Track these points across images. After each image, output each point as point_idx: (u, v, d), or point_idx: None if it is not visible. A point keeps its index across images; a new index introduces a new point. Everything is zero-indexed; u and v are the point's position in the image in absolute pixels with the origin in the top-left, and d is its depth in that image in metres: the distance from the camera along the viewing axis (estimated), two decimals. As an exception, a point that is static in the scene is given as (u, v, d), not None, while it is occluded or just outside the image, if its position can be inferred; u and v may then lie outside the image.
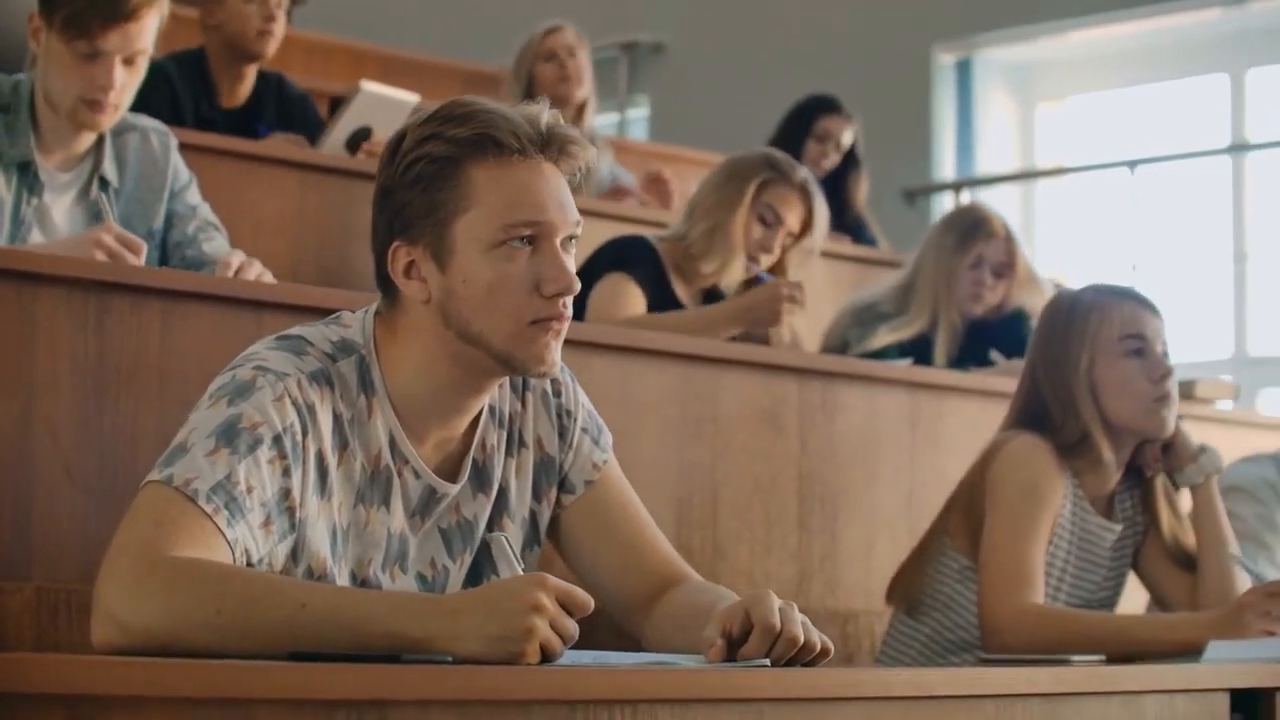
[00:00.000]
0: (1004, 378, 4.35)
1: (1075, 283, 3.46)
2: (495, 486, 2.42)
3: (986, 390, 4.12)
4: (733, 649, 2.16)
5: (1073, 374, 3.27)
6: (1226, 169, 8.27)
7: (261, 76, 4.94)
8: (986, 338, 4.87)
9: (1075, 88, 8.97)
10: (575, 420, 2.50)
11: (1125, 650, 3.01)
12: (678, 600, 2.44)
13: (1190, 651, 2.98)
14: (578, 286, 2.26)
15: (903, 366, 4.11)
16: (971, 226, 4.87)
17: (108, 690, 1.61)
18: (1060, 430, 3.28)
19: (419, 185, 2.25)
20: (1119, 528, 3.37)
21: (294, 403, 2.20)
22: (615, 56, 9.55)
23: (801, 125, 6.40)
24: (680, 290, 4.36)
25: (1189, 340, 8.00)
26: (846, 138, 6.43)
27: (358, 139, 4.74)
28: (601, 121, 8.50)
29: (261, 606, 1.97)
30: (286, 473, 2.18)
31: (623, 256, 4.28)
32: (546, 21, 6.09)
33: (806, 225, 4.40)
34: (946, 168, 8.73)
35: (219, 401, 2.18)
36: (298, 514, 2.20)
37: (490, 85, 7.67)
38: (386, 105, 4.76)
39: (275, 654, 1.94)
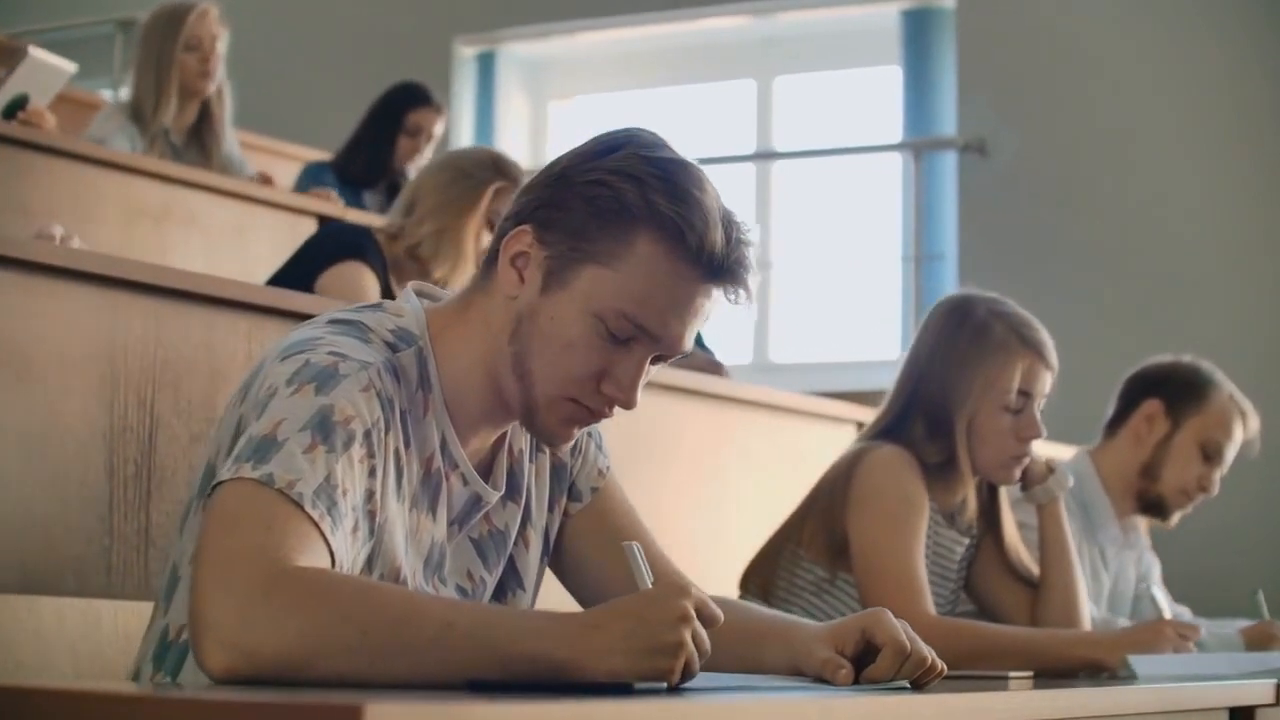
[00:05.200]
0: (716, 380, 4.35)
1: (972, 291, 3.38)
2: (524, 494, 2.23)
3: (703, 391, 4.08)
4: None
5: (959, 407, 3.23)
6: (752, 176, 8.42)
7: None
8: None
9: (588, 87, 9.01)
10: None
11: (1030, 665, 2.98)
12: None
13: (1090, 667, 3.01)
14: (634, 407, 2.08)
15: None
16: None
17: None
18: (924, 447, 3.25)
19: (589, 206, 2.03)
20: (967, 540, 3.37)
21: (378, 394, 1.96)
22: (110, 33, 9.10)
23: (391, 119, 6.21)
24: (394, 285, 4.19)
25: (715, 346, 8.15)
26: (438, 129, 6.29)
27: (14, 106, 4.41)
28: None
29: (409, 626, 1.73)
30: (372, 472, 1.94)
31: (356, 245, 4.08)
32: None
33: None
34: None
35: (303, 389, 1.91)
36: (378, 517, 1.97)
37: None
38: (47, 72, 4.46)
39: (447, 683, 1.71)
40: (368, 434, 1.93)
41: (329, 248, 4.06)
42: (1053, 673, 2.99)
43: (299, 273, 3.94)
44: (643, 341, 2.04)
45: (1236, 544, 6.41)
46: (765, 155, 8.37)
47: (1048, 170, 7.37)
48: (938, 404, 3.25)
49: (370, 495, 1.94)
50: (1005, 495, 3.39)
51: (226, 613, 1.70)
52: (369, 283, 4.04)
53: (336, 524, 1.85)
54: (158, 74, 5.41)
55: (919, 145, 7.70)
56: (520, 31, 8.74)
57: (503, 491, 2.18)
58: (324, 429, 1.88)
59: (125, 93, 6.70)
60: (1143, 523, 4.21)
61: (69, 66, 4.60)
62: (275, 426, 1.87)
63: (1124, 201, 7.24)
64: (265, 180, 5.51)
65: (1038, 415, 3.25)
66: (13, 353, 2.54)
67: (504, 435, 2.19)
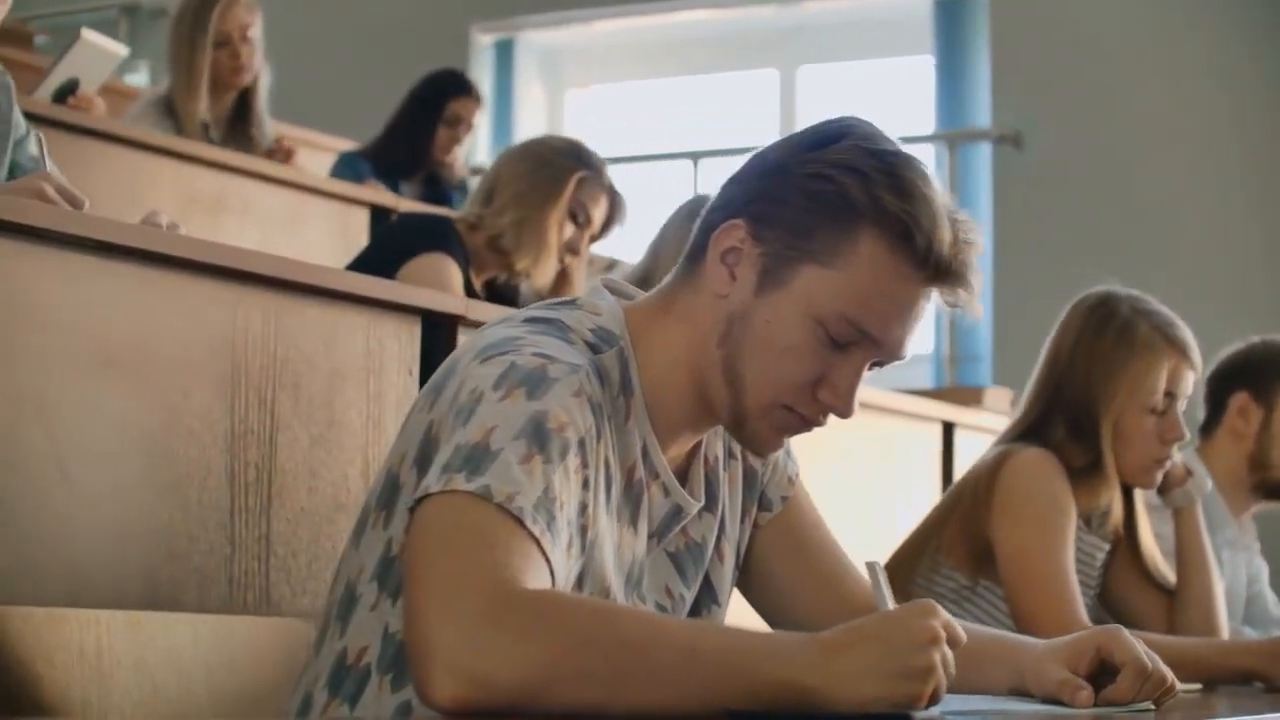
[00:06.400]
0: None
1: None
2: (720, 504, 2.09)
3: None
4: None
5: (1105, 409, 3.13)
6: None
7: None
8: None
9: (606, 75, 8.93)
10: None
11: (1191, 675, 2.86)
12: None
13: (1246, 677, 2.91)
14: (851, 415, 1.95)
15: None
16: None
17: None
18: (1067, 449, 3.15)
19: (809, 201, 1.89)
20: (1107, 546, 3.27)
21: (589, 400, 1.83)
22: (115, 18, 8.97)
23: (430, 108, 6.08)
24: (474, 277, 4.05)
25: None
26: (478, 118, 6.18)
27: (65, 91, 4.26)
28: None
29: (651, 651, 1.60)
30: (586, 484, 1.80)
31: (440, 236, 3.94)
32: None
33: (604, 226, 4.17)
34: (480, 151, 8.52)
35: (513, 393, 1.77)
36: (590, 532, 1.83)
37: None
38: (100, 56, 4.33)
39: (700, 713, 1.60)
40: (581, 443, 1.80)
41: (412, 239, 3.92)
42: (1206, 682, 2.89)
43: (378, 263, 3.79)
44: (863, 346, 1.91)
45: None
46: (789, 146, 8.22)
47: (1085, 163, 7.26)
48: (1082, 405, 3.15)
49: (583, 508, 1.81)
50: (1141, 499, 3.28)
51: (456, 639, 1.57)
52: (453, 275, 3.90)
53: (555, 540, 1.71)
54: (189, 72, 5.23)
55: (953, 137, 7.59)
56: (538, 19, 8.67)
57: (702, 502, 2.04)
58: (539, 437, 1.74)
59: (135, 79, 6.51)
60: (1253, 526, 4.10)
61: (120, 50, 4.48)
62: (487, 434, 1.73)
63: (1162, 195, 7.14)
64: (285, 152, 5.34)
65: (1181, 417, 3.13)
66: (133, 350, 2.39)
67: (699, 442, 2.05)
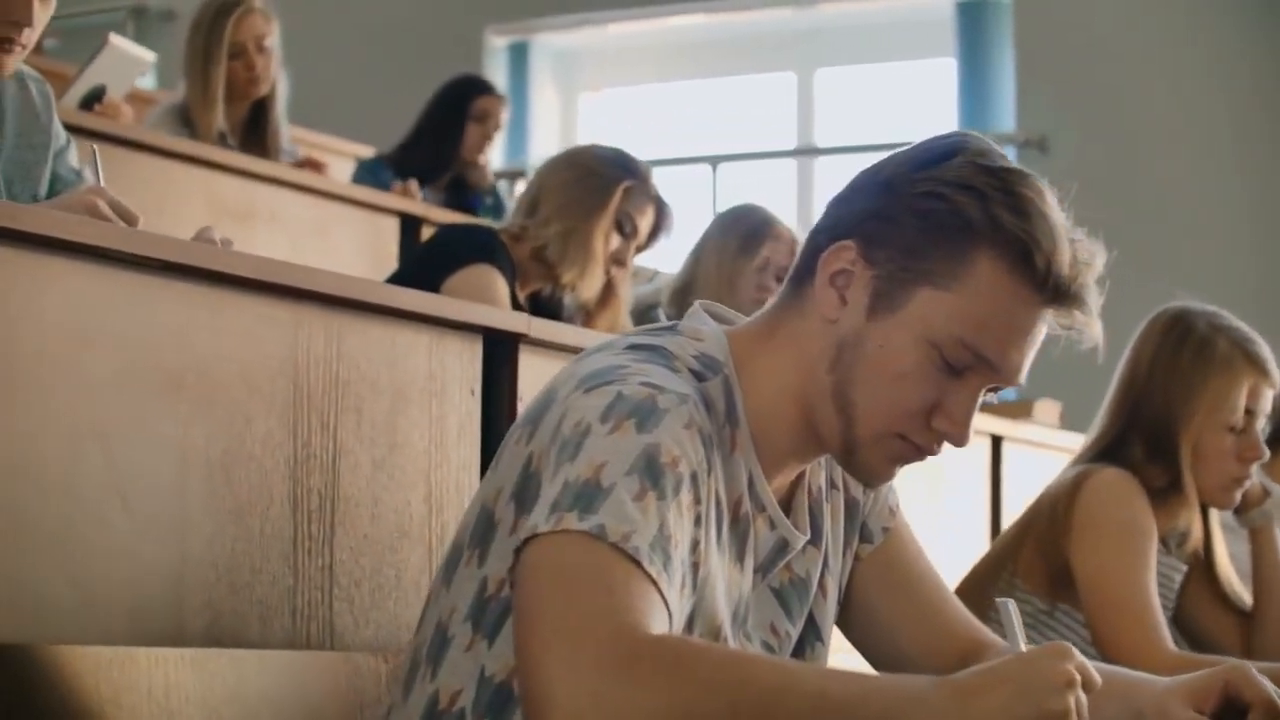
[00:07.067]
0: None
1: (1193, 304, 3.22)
2: (824, 537, 2.02)
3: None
4: None
5: (1184, 427, 3.07)
6: (793, 172, 8.18)
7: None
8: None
9: (620, 78, 8.87)
10: None
11: None
12: None
13: None
14: (966, 444, 1.88)
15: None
16: (756, 227, 4.58)
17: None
18: (1145, 469, 3.08)
19: (923, 221, 1.82)
20: (1185, 567, 3.21)
21: (700, 431, 1.75)
22: (122, 20, 8.92)
23: (455, 108, 6.08)
24: (519, 289, 3.97)
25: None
26: (504, 117, 6.13)
27: (91, 98, 4.20)
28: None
29: (782, 698, 1.55)
30: (698, 520, 1.73)
31: (487, 247, 3.85)
32: None
33: (650, 236, 4.08)
34: (495, 155, 8.44)
35: (622, 426, 1.69)
36: (701, 570, 1.76)
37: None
38: (127, 61, 4.27)
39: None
40: (694, 477, 1.73)
41: (458, 250, 3.84)
42: None
43: (423, 275, 3.70)
44: (979, 371, 1.84)
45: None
46: (807, 151, 8.13)
47: (1111, 168, 7.18)
48: (1160, 424, 3.08)
49: (695, 546, 1.74)
50: (1216, 519, 3.21)
51: (578, 688, 1.51)
52: (500, 287, 3.81)
53: (671, 580, 1.64)
54: (204, 83, 5.13)
55: (976, 141, 7.49)
56: (552, 22, 8.63)
57: (808, 536, 1.95)
58: (652, 472, 1.67)
59: (141, 82, 6.42)
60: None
61: (147, 56, 4.42)
62: (597, 470, 1.66)
63: (1190, 199, 7.06)
64: (312, 165, 5.26)
65: (1260, 435, 3.06)
66: (194, 373, 2.29)
67: (802, 473, 1.97)
